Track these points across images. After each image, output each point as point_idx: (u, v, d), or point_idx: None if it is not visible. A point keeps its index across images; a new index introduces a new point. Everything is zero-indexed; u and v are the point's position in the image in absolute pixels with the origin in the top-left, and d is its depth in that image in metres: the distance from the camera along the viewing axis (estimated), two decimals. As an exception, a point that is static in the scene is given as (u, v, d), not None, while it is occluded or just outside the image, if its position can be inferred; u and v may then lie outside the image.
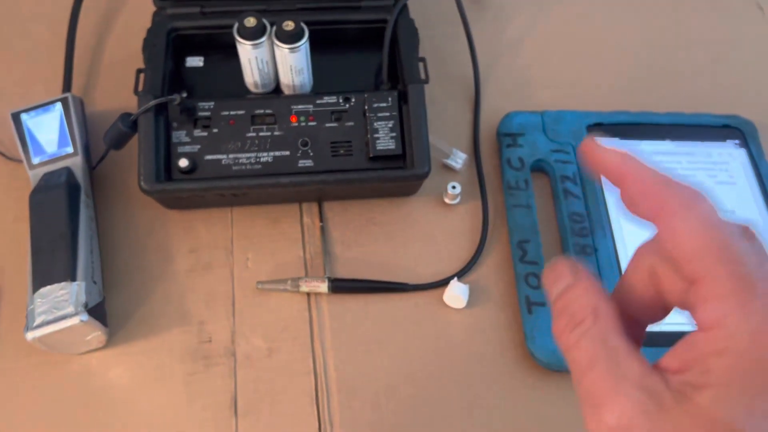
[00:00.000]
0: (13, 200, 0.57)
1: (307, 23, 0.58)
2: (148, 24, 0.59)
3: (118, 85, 0.63)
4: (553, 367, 0.51)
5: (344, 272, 0.55)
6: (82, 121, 0.57)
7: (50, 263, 0.49)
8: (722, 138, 0.62)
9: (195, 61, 0.60)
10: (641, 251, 0.29)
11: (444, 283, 0.54)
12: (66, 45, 0.63)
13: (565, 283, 0.28)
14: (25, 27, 0.67)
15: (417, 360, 0.52)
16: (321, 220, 0.57)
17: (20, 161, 0.56)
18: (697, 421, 0.22)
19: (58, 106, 0.56)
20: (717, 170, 0.61)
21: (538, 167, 0.60)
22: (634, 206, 0.28)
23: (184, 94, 0.57)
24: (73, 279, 0.48)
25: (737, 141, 0.62)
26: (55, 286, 0.48)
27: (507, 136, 0.60)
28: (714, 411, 0.22)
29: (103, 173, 0.58)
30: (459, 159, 0.60)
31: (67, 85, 0.61)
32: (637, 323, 0.28)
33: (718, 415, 0.22)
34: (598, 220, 0.57)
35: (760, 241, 0.25)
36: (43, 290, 0.48)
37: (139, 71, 0.55)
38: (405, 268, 0.56)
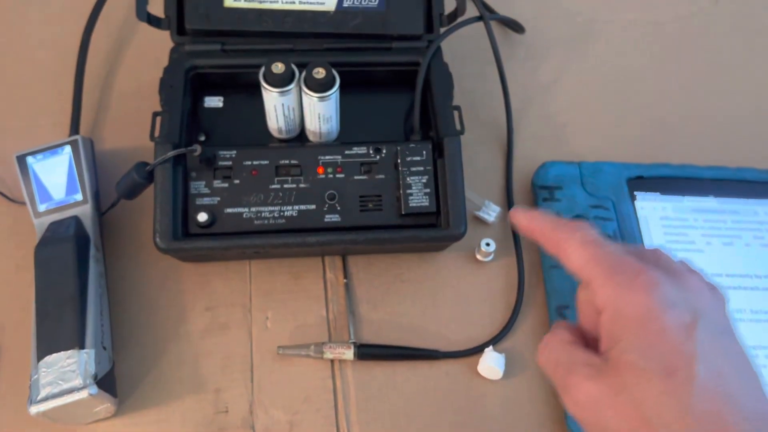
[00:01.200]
0: (16, 247, 0.53)
1: (336, 64, 0.54)
2: (160, 53, 0.55)
3: (129, 120, 0.59)
4: None
5: (370, 335, 0.52)
6: (92, 164, 0.54)
7: (56, 328, 0.45)
8: None
9: (214, 101, 0.56)
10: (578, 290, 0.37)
11: (478, 350, 0.51)
12: (75, 79, 0.59)
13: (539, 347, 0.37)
14: (33, 54, 0.63)
15: (448, 435, 0.48)
16: (345, 276, 0.54)
17: (24, 203, 0.52)
18: (620, 370, 0.31)
19: (67, 149, 0.52)
20: (763, 231, 0.57)
21: None
22: (549, 251, 0.37)
23: (203, 140, 0.54)
24: (82, 347, 0.44)
25: None
26: (62, 354, 0.44)
27: (543, 189, 0.57)
28: (625, 358, 0.31)
29: (112, 219, 0.54)
30: (492, 212, 0.56)
31: (75, 124, 0.57)
32: (595, 339, 0.35)
33: (627, 359, 0.31)
34: None
35: (637, 248, 0.36)
36: (49, 359, 0.44)
37: (155, 114, 0.52)
38: (434, 332, 0.52)
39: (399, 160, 0.51)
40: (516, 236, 0.56)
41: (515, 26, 0.67)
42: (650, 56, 0.68)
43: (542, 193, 0.57)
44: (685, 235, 0.56)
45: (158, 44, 0.56)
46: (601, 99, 0.65)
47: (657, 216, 0.57)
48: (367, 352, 0.50)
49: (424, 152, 0.51)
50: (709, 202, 0.58)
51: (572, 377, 0.33)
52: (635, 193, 0.58)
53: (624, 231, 0.55)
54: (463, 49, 0.65)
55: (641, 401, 0.30)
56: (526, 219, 0.38)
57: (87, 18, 0.61)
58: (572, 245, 0.35)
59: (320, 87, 0.49)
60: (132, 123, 0.58)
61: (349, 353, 0.49)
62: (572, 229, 0.35)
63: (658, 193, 0.58)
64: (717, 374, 0.30)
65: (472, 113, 0.62)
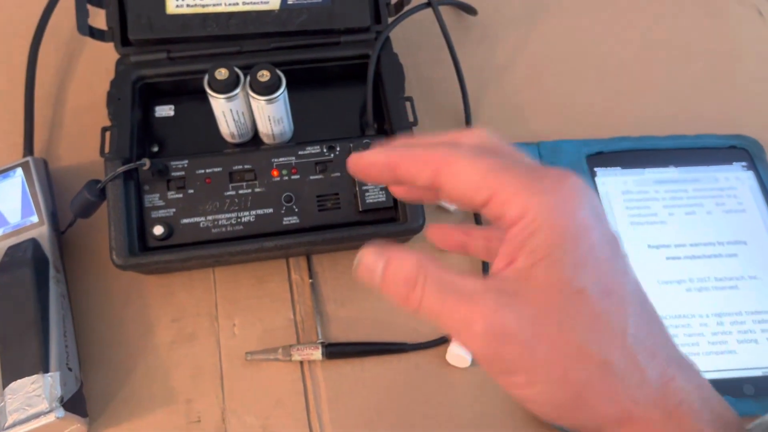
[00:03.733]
0: (-23, 273, 0.53)
1: (284, 63, 0.54)
2: (110, 64, 0.55)
3: (83, 135, 0.59)
4: (564, 428, 0.47)
5: (338, 333, 0.52)
6: (46, 184, 0.53)
7: (19, 354, 0.45)
8: (728, 160, 0.59)
9: (165, 110, 0.55)
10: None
11: (445, 340, 0.51)
12: (25, 97, 0.58)
13: (380, 266, 0.29)
14: (-20, 77, 0.62)
15: (421, 426, 0.49)
16: (310, 276, 0.54)
17: (-19, 228, 0.51)
18: (545, 291, 0.26)
19: (19, 171, 0.52)
20: (725, 197, 0.58)
21: None
22: (415, 184, 0.30)
23: (157, 151, 0.53)
24: (46, 370, 0.44)
25: (744, 163, 0.59)
26: (26, 379, 0.44)
27: None
28: (552, 276, 0.26)
29: (72, 238, 0.54)
30: (453, 200, 0.56)
31: (29, 143, 0.56)
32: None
33: (557, 278, 0.26)
34: None
35: (509, 147, 0.31)
36: (14, 385, 0.44)
37: (104, 129, 0.51)
38: (403, 325, 0.52)
39: (352, 157, 0.51)
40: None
41: (468, 9, 0.66)
42: (602, 27, 0.68)
43: None
44: (648, 207, 0.57)
45: (109, 55, 0.55)
46: (557, 75, 0.65)
47: (618, 191, 0.57)
48: (336, 351, 0.50)
49: (377, 147, 0.51)
50: (670, 172, 0.58)
51: (473, 310, 0.26)
52: (595, 169, 0.58)
53: None
54: (415, 37, 0.65)
55: (573, 326, 0.26)
56: (377, 156, 0.30)
57: (33, 32, 0.60)
58: (460, 160, 0.28)
59: (266, 90, 0.49)
60: (87, 138, 0.58)
61: (317, 353, 0.50)
62: (452, 144, 0.29)
63: (618, 168, 0.58)
64: (641, 294, 0.28)
65: (429, 101, 0.62)
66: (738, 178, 0.59)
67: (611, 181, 0.58)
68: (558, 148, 0.58)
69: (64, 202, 0.54)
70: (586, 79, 0.65)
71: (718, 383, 0.46)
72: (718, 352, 0.51)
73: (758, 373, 0.51)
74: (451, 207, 0.56)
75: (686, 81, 0.65)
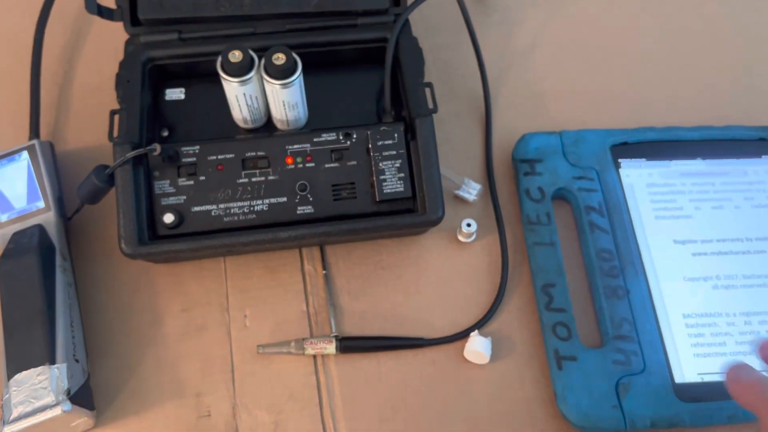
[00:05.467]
0: (-18, 259, 0.51)
1: (300, 46, 0.52)
2: (120, 44, 0.53)
3: (91, 117, 0.57)
4: (587, 428, 0.46)
5: (352, 327, 0.50)
6: (52, 169, 0.52)
7: (25, 344, 0.44)
8: (757, 153, 0.57)
9: (175, 93, 0.54)
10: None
11: (463, 335, 0.50)
12: (31, 78, 0.56)
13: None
14: (-16, 56, 0.60)
15: (437, 424, 0.47)
16: (324, 267, 0.52)
17: (-14, 212, 0.50)
18: None
19: (24, 155, 0.50)
20: (753, 191, 0.55)
21: (560, 195, 0.55)
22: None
23: (166, 135, 0.51)
24: (52, 362, 0.43)
25: None
26: (32, 371, 0.43)
27: (524, 162, 0.55)
28: None
29: (79, 224, 0.53)
30: (472, 190, 0.54)
31: (35, 126, 0.55)
32: None
33: None
34: (628, 256, 0.51)
35: None
36: (19, 377, 0.43)
37: (113, 113, 0.49)
38: (418, 319, 0.51)
39: (370, 145, 0.49)
40: (498, 213, 0.54)
41: (487, -10, 0.64)
42: (630, 13, 0.66)
43: (523, 167, 0.55)
44: (674, 201, 0.55)
45: (117, 35, 0.53)
46: (580, 61, 0.63)
47: (643, 183, 0.55)
48: (350, 345, 0.49)
49: (396, 135, 0.49)
50: (697, 164, 0.56)
51: None
52: (620, 160, 0.56)
53: (609, 202, 0.53)
54: (433, 18, 0.63)
55: None
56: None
57: (39, 11, 0.58)
58: None
59: (282, 73, 0.47)
60: (94, 120, 0.56)
61: (331, 348, 0.48)
62: None
63: (643, 159, 0.56)
64: None
65: (447, 86, 0.60)
66: (767, 171, 0.56)
67: (636, 173, 0.56)
68: (581, 137, 0.56)
69: (71, 187, 0.53)
70: (611, 65, 0.63)
71: None
72: (746, 353, 0.49)
73: (787, 373, 0.49)
74: (470, 197, 0.54)
75: (714, 70, 0.63)
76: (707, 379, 0.48)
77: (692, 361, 0.48)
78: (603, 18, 0.65)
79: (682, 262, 0.52)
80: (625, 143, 0.56)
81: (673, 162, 0.56)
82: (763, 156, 0.57)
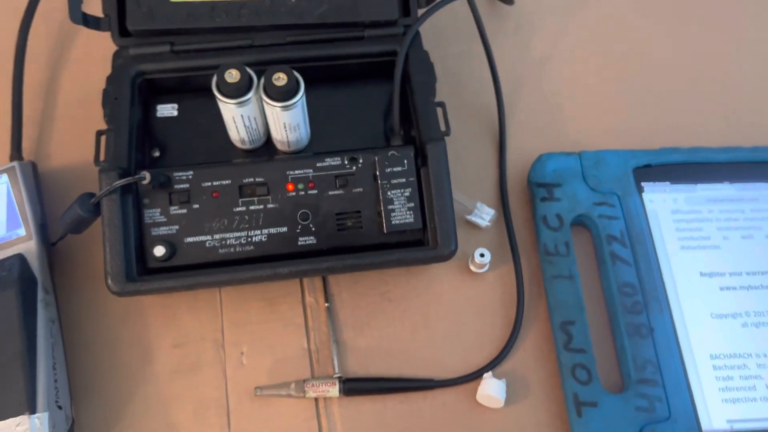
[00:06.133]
0: (-41, 287, 0.47)
1: (301, 59, 0.49)
2: (109, 53, 0.49)
3: (77, 132, 0.53)
4: None
5: (357, 365, 0.47)
6: (35, 193, 0.48)
7: (2, 392, 0.40)
8: None
9: (168, 110, 0.50)
10: None
11: (475, 376, 0.46)
12: (13, 87, 0.52)
13: None
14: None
15: (447, 473, 0.44)
16: (326, 299, 0.49)
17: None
18: None
19: (4, 179, 0.47)
20: None
21: (579, 222, 0.51)
22: None
23: (158, 156, 0.48)
24: (33, 411, 0.40)
25: None
26: (10, 421, 0.39)
27: (540, 187, 0.51)
28: None
29: (63, 250, 0.49)
30: (485, 215, 0.51)
31: (16, 141, 0.51)
32: None
33: None
34: (652, 291, 0.48)
35: None
36: (-4, 427, 0.39)
37: (99, 133, 0.46)
38: (427, 357, 0.47)
39: (378, 172, 0.45)
40: (513, 243, 0.51)
41: (503, -3, 0.60)
42: (654, 26, 0.61)
43: (540, 191, 0.51)
44: (700, 230, 0.51)
45: (107, 42, 0.49)
46: (600, 75, 0.59)
47: (668, 209, 0.52)
48: (355, 387, 0.45)
49: (406, 161, 0.46)
50: (725, 189, 0.53)
51: None
52: (642, 184, 0.52)
53: (632, 230, 0.50)
54: (444, 26, 0.59)
55: None
56: None
57: (22, 15, 0.54)
58: None
59: (283, 95, 0.43)
60: (81, 135, 0.52)
61: (334, 390, 0.45)
62: None
63: (668, 183, 0.53)
64: None
65: (458, 100, 0.56)
66: None
67: (660, 198, 0.52)
68: (602, 159, 0.52)
69: (56, 210, 0.49)
70: (633, 79, 0.59)
71: None
72: None
73: (820, 422, 0.46)
74: (483, 222, 0.51)
75: (743, 87, 0.59)
76: (737, 426, 0.45)
77: (720, 407, 0.45)
78: (624, 29, 0.61)
79: (709, 297, 0.49)
80: (648, 165, 0.53)
81: (700, 186, 0.53)
82: (795, 180, 0.53)
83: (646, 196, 0.52)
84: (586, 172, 0.52)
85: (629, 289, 0.48)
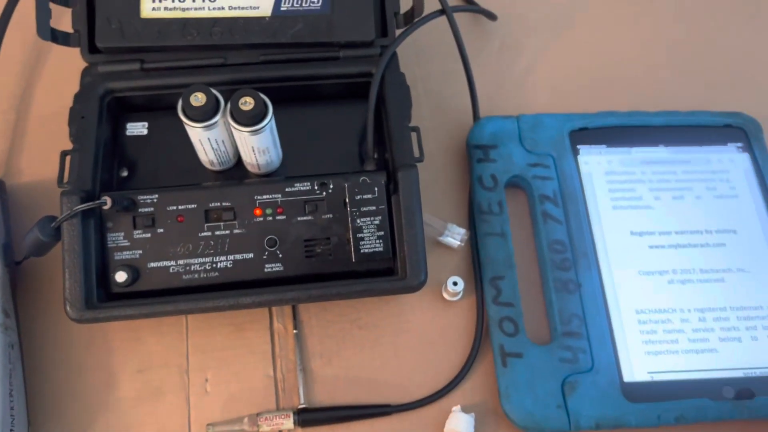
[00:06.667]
0: None
1: (274, 79, 0.48)
2: (82, 66, 0.48)
3: (49, 147, 0.51)
4: (530, 429, 0.44)
5: (324, 394, 0.46)
6: (0, 212, 0.47)
7: (-45, 420, 0.39)
8: (723, 141, 0.55)
9: (137, 128, 0.49)
10: None
11: (430, 401, 0.46)
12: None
13: None
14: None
15: None
16: (295, 326, 0.48)
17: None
18: None
19: (-32, 197, 0.45)
20: (717, 181, 0.53)
21: (514, 183, 0.52)
22: None
23: (126, 176, 0.47)
24: (-16, 442, 0.39)
25: (740, 144, 0.55)
26: (-39, 452, 0.39)
27: (477, 148, 0.52)
28: None
29: (28, 271, 0.48)
30: (456, 235, 0.50)
31: (-17, 159, 0.50)
32: None
33: None
34: (582, 248, 0.49)
35: None
36: (-53, 457, 0.38)
37: (64, 154, 0.45)
38: (396, 384, 0.47)
39: (347, 199, 0.44)
40: (477, 270, 0.49)
41: (487, 13, 0.59)
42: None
43: (477, 153, 0.52)
44: (633, 190, 0.52)
45: (78, 59, 0.48)
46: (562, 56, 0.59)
47: (602, 171, 0.52)
48: (310, 418, 0.44)
49: (376, 189, 0.44)
50: (659, 152, 0.53)
51: None
52: (578, 147, 0.53)
53: (565, 190, 0.51)
54: (425, 44, 0.58)
55: None
56: None
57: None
58: None
59: (250, 120, 0.42)
60: (52, 152, 0.50)
61: (288, 422, 0.44)
62: None
63: (604, 146, 0.53)
64: None
65: (437, 119, 0.56)
66: (732, 160, 0.54)
67: (595, 160, 0.53)
68: (539, 122, 0.53)
69: (23, 227, 0.48)
70: (576, 51, 0.59)
71: (696, 384, 0.45)
72: (698, 351, 0.47)
73: (739, 374, 0.47)
74: (455, 243, 0.50)
75: (679, 52, 0.60)
76: (657, 378, 0.46)
77: (643, 360, 0.47)
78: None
79: (637, 254, 0.50)
80: (585, 128, 0.54)
81: (635, 149, 0.54)
82: (728, 143, 0.54)
83: (581, 158, 0.53)
84: (523, 135, 0.53)
85: (559, 246, 0.49)
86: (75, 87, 0.48)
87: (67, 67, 0.55)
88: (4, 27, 0.53)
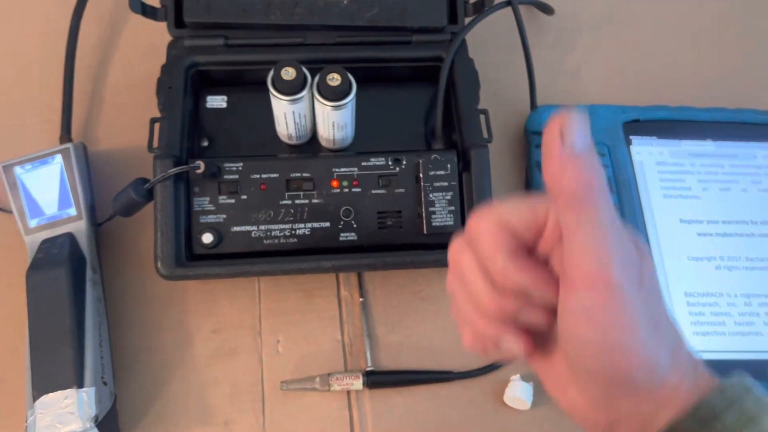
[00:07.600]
0: (8, 261, 0.49)
1: (349, 60, 0.50)
2: (158, 40, 0.51)
3: (125, 116, 0.55)
4: None
5: (388, 359, 0.48)
6: (86, 174, 0.49)
7: (52, 365, 0.42)
8: (767, 137, 0.57)
9: (217, 101, 0.51)
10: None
11: (490, 369, 0.48)
12: (64, 71, 0.54)
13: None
14: (16, 42, 0.57)
15: (472, 469, 0.46)
16: (361, 294, 0.50)
17: (12, 212, 0.48)
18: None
19: (58, 159, 0.48)
20: (762, 175, 0.56)
21: None
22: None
23: (206, 146, 0.49)
24: (80, 385, 0.41)
25: None
26: (59, 394, 0.41)
27: (536, 134, 0.54)
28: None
29: (109, 231, 0.50)
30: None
31: (66, 123, 0.52)
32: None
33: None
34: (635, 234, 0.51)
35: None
36: (45, 398, 0.41)
37: (153, 121, 0.47)
38: (457, 354, 0.49)
39: (421, 174, 0.47)
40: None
41: (544, 8, 0.61)
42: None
43: (535, 138, 0.54)
44: (682, 180, 0.55)
45: (154, 29, 0.51)
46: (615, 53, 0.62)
47: (653, 161, 0.55)
48: (378, 380, 0.47)
49: (449, 165, 0.47)
50: (707, 146, 0.56)
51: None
52: (631, 137, 0.56)
53: (619, 178, 0.53)
54: (485, 35, 0.60)
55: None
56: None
57: (75, 1, 0.55)
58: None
59: (335, 95, 0.44)
60: (128, 119, 0.54)
61: (358, 383, 0.46)
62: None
63: (654, 137, 0.56)
64: None
65: (493, 106, 0.56)
66: None
67: (646, 150, 0.55)
68: (594, 112, 0.55)
69: (102, 191, 0.51)
70: (629, 45, 0.62)
71: (742, 364, 0.45)
72: (744, 333, 0.50)
73: (782, 356, 0.49)
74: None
75: (729, 52, 0.62)
76: (705, 357, 0.48)
77: (692, 340, 0.49)
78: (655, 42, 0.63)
79: (687, 241, 0.52)
80: (637, 120, 0.56)
81: (684, 142, 0.56)
82: (773, 140, 0.57)
83: (634, 149, 0.55)
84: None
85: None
86: (145, 62, 0.50)
87: (138, 44, 0.58)
88: (83, 5, 0.55)
